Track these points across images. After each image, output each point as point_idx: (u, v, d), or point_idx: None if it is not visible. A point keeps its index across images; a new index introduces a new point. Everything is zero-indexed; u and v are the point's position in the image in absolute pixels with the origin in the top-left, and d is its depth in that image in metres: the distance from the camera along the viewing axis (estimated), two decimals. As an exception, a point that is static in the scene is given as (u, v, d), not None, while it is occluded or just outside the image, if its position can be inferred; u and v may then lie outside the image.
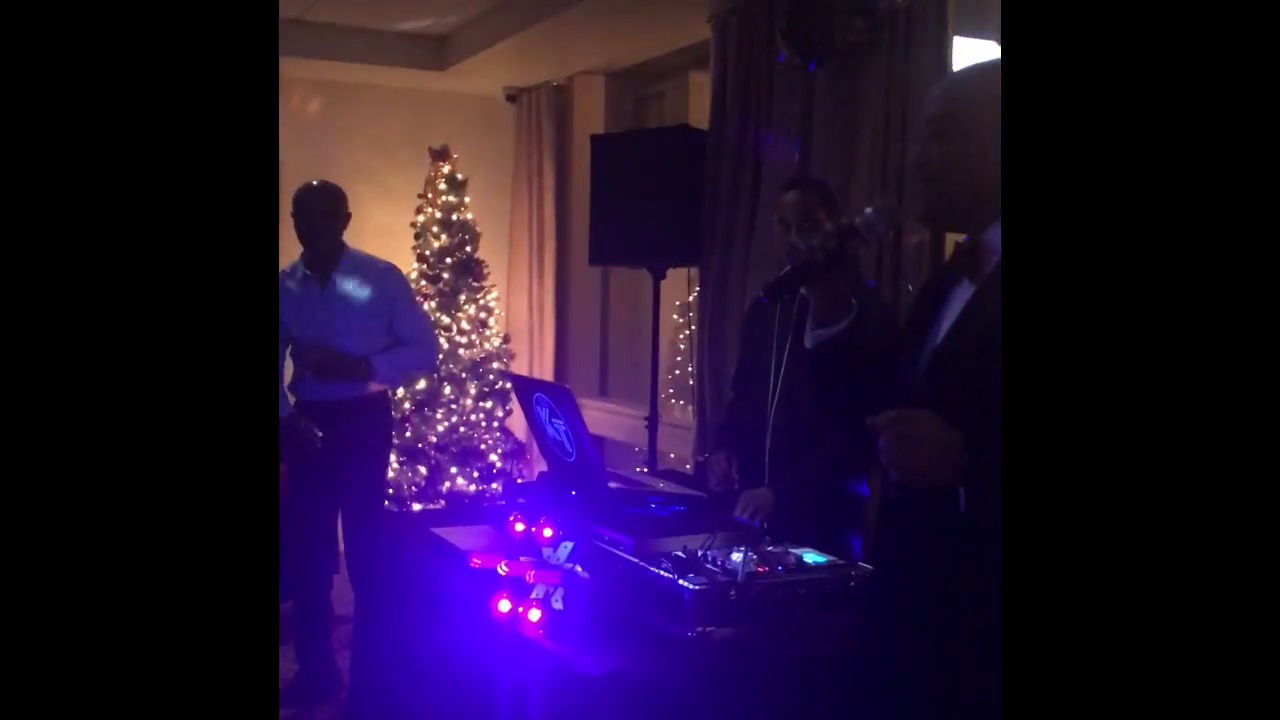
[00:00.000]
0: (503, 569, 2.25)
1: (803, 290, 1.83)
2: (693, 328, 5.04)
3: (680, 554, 2.18)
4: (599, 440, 5.47)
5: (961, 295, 1.64)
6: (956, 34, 3.45)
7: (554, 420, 2.49)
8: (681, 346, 5.65)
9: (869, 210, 1.75)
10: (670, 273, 4.46)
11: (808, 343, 1.84)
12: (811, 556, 2.24)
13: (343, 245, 3.91)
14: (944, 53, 3.42)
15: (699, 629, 2.03)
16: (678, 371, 5.83)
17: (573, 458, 2.47)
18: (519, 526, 2.41)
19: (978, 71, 1.66)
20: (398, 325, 3.93)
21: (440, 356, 5.72)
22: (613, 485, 2.45)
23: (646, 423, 4.48)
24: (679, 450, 4.99)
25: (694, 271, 4.77)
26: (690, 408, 4.97)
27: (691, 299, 5.21)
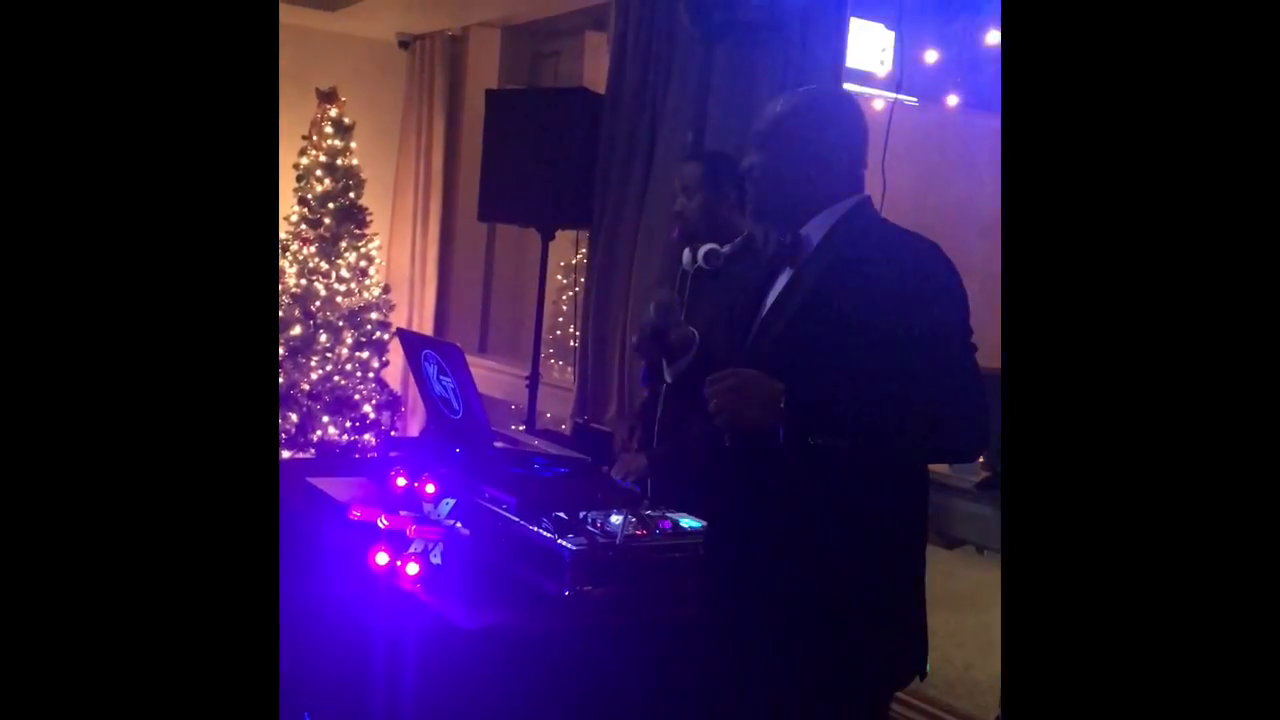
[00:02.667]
0: (383, 522, 2.25)
1: None
2: (577, 290, 5.05)
3: (561, 515, 2.22)
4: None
5: (783, 279, 1.94)
6: (854, 16, 3.54)
7: (442, 377, 2.49)
8: (564, 308, 5.67)
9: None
10: (558, 234, 4.46)
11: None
12: (688, 521, 2.30)
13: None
14: (840, 35, 3.50)
15: (577, 588, 2.07)
16: (559, 333, 5.85)
17: (459, 415, 2.47)
18: (401, 481, 2.40)
19: (801, 94, 1.98)
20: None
21: (317, 303, 5.61)
22: (498, 445, 2.47)
23: (526, 382, 4.49)
24: (557, 411, 5.02)
25: (581, 233, 4.78)
26: (570, 369, 4.99)
27: (576, 261, 5.23)
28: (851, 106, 1.95)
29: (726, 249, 2.77)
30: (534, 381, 4.46)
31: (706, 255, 2.75)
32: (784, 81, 3.53)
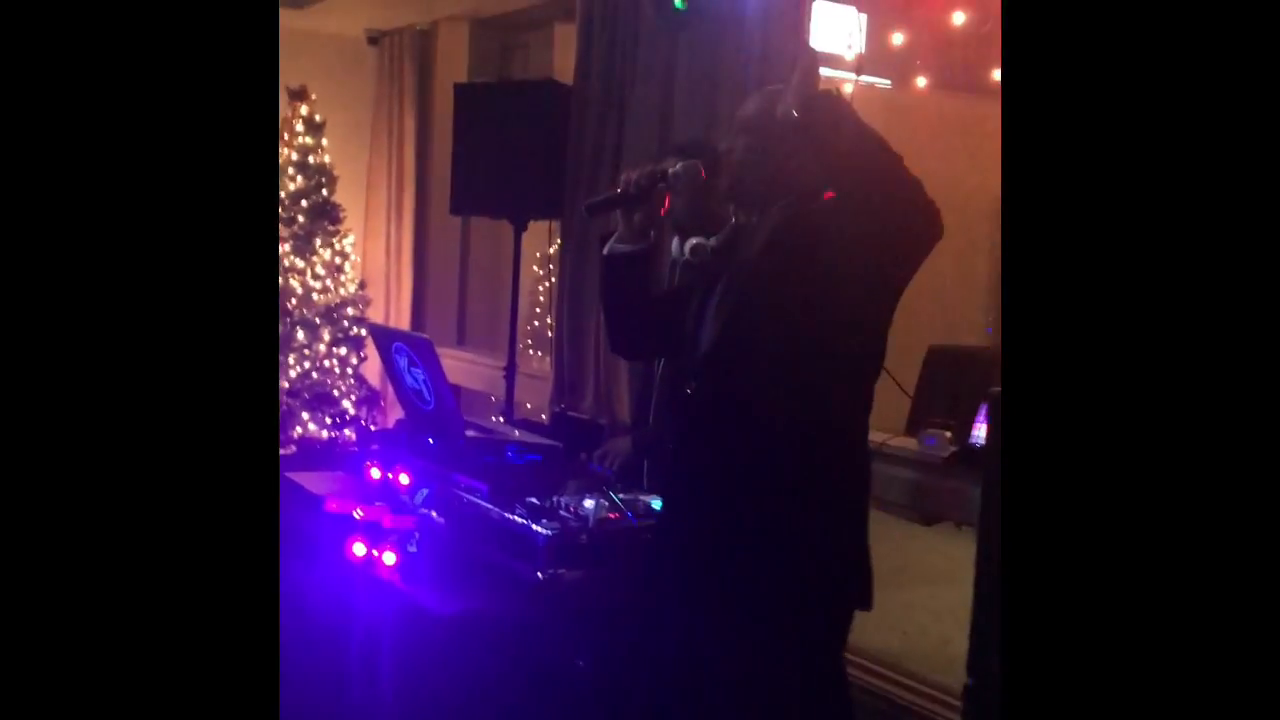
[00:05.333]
0: (358, 514, 2.28)
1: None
2: (553, 280, 5.08)
3: (534, 500, 2.25)
4: (456, 389, 5.48)
5: (747, 252, 2.03)
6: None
7: (413, 370, 2.51)
8: (541, 299, 5.69)
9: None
10: (531, 224, 4.49)
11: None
12: (660, 504, 2.34)
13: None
14: (804, 17, 3.53)
15: (550, 572, 2.11)
16: (536, 323, 5.87)
17: (431, 406, 2.50)
18: (375, 473, 2.43)
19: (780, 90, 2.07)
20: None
21: (294, 301, 5.62)
22: (470, 434, 2.50)
23: (504, 373, 4.52)
24: (535, 400, 5.04)
25: (555, 224, 4.81)
26: (548, 359, 5.02)
27: (553, 251, 5.25)
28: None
29: (713, 241, 2.79)
30: (511, 372, 4.49)
31: (694, 249, 2.76)
32: (748, 70, 3.55)
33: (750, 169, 2.01)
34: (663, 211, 2.20)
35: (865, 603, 1.97)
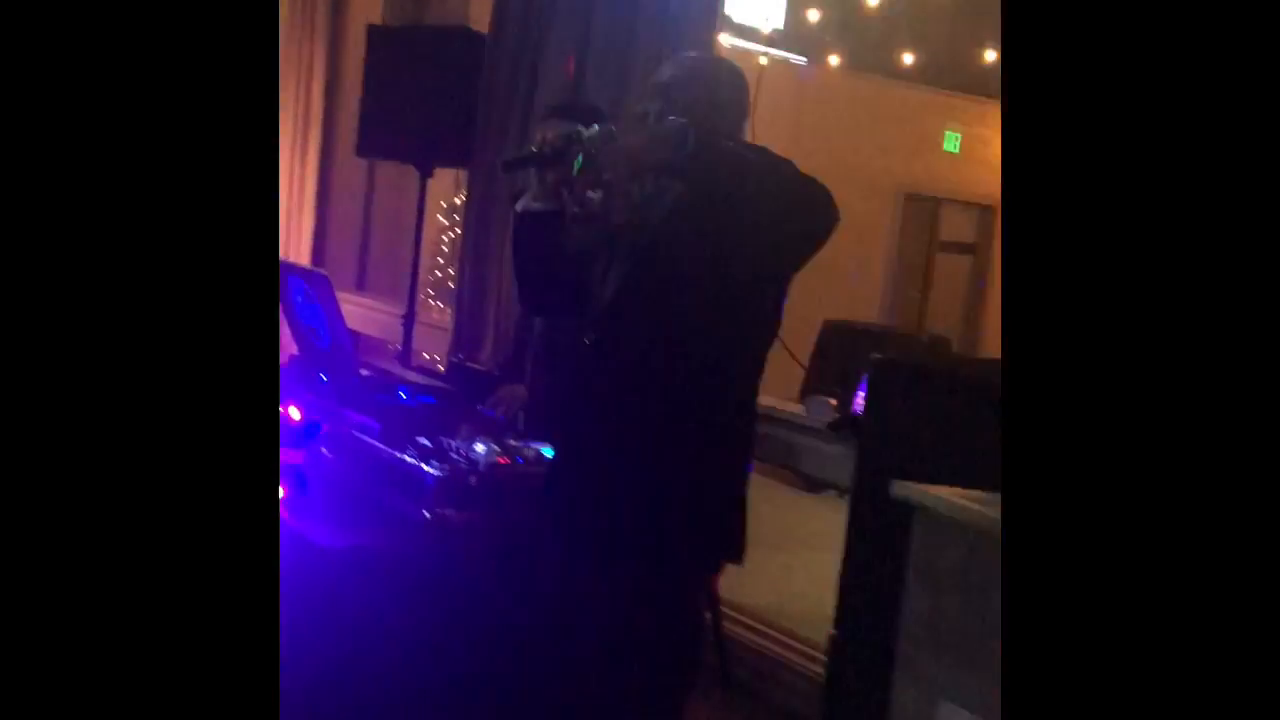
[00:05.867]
0: (247, 446, 2.28)
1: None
2: (457, 230, 5.07)
3: (425, 441, 2.28)
4: (354, 335, 5.43)
5: (650, 213, 2.06)
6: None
7: (309, 306, 2.51)
8: (444, 249, 5.66)
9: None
10: (438, 174, 4.46)
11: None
12: (551, 451, 2.39)
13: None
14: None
15: (438, 512, 2.14)
16: (438, 273, 5.84)
17: (325, 344, 2.51)
18: (267, 407, 2.43)
19: (700, 58, 2.22)
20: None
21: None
22: (364, 373, 2.51)
23: (402, 320, 4.50)
24: (434, 350, 5.04)
25: (463, 175, 4.79)
26: (448, 310, 5.02)
27: (458, 201, 5.23)
28: (737, 70, 2.17)
29: (599, 195, 2.83)
30: (410, 320, 4.48)
31: (580, 201, 2.80)
32: (662, 37, 3.59)
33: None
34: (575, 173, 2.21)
35: (736, 555, 2.06)
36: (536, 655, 2.09)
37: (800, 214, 1.91)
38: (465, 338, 4.39)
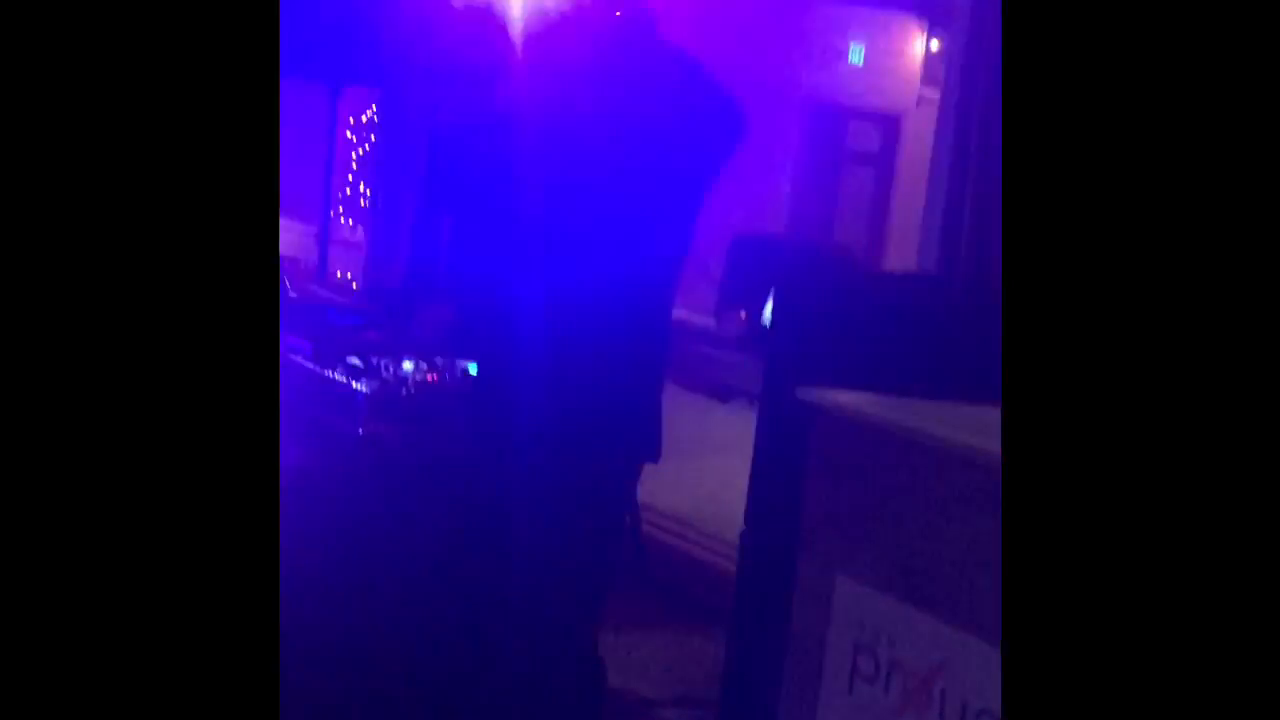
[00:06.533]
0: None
1: None
2: (367, 146, 5.04)
3: (356, 360, 2.36)
4: (265, 254, 5.38)
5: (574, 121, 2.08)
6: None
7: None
8: (354, 166, 5.63)
9: None
10: (347, 92, 4.44)
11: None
12: (476, 368, 2.48)
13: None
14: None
15: (371, 428, 2.24)
16: (348, 190, 5.81)
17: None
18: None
19: None
20: None
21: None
22: (292, 295, 2.57)
23: (316, 238, 4.51)
24: (348, 268, 5.05)
25: (372, 91, 4.76)
26: (360, 228, 5.02)
27: (365, 119, 5.19)
28: None
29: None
30: (324, 238, 4.49)
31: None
32: None
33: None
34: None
35: (654, 455, 2.20)
36: (470, 562, 2.21)
37: (708, 126, 1.98)
38: (379, 256, 4.43)
